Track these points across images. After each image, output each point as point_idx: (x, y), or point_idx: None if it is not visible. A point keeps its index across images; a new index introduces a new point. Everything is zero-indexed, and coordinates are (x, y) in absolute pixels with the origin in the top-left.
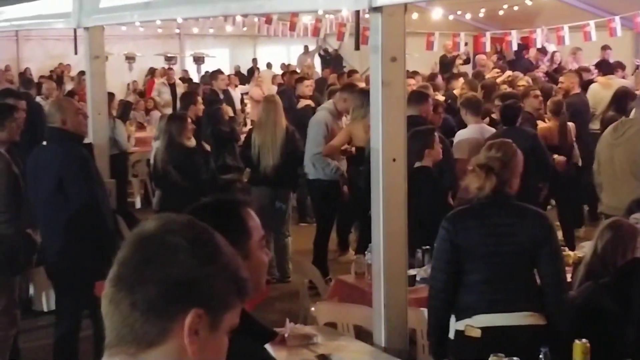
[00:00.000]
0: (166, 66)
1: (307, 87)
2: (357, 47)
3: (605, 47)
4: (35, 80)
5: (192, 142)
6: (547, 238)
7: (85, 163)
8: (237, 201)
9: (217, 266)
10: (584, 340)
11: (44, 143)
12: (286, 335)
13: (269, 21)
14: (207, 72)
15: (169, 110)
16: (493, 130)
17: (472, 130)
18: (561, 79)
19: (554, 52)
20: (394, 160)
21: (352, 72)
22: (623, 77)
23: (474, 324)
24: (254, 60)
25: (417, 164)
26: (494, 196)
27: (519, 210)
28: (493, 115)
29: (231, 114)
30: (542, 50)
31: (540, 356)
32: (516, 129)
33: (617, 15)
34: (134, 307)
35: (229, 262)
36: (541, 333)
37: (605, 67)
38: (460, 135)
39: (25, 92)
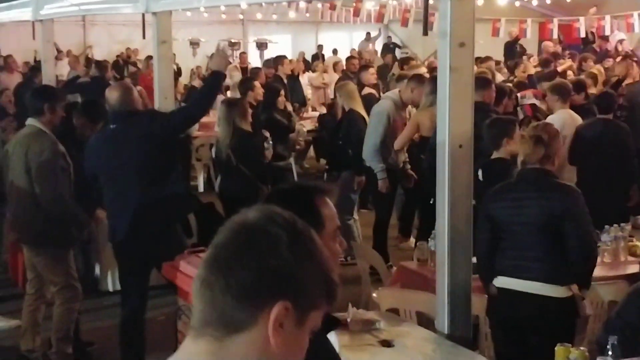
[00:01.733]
0: (229, 52)
1: (371, 74)
2: (425, 33)
3: None
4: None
5: (250, 127)
6: (568, 212)
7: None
8: (314, 189)
9: (312, 264)
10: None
11: (113, 126)
12: (349, 320)
13: (332, 7)
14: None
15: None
16: (576, 116)
17: (561, 117)
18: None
19: (621, 40)
20: (461, 146)
21: (409, 59)
22: None
23: (495, 284)
24: (320, 47)
25: (494, 155)
26: (529, 171)
27: (547, 184)
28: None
29: (286, 104)
30: (605, 38)
31: (608, 346)
32: (612, 122)
33: None
34: (227, 291)
35: (323, 263)
36: (550, 305)
37: None
38: (551, 121)
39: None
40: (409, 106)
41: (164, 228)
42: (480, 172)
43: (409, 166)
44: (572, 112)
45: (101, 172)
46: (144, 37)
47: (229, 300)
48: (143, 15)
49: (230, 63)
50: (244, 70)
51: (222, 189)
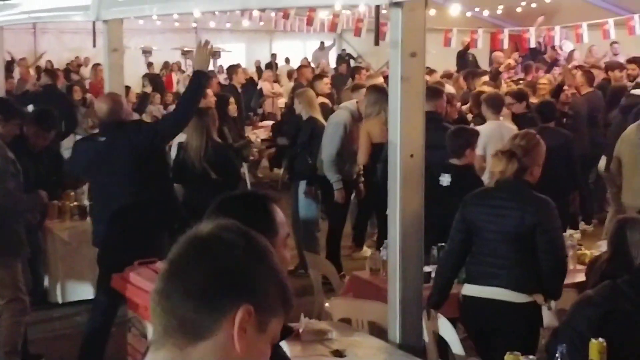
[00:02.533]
0: (182, 60)
1: (325, 84)
2: (376, 43)
3: (613, 43)
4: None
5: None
6: (541, 224)
7: None
8: (266, 196)
9: (267, 269)
10: (600, 339)
11: (102, 138)
12: (301, 330)
13: (286, 16)
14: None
15: None
16: (513, 127)
17: (491, 127)
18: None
19: (572, 51)
20: (412, 156)
21: (360, 68)
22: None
23: (462, 292)
24: (273, 56)
25: (453, 160)
26: (508, 181)
27: (524, 195)
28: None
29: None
30: (554, 49)
31: (557, 355)
32: (551, 129)
33: (637, 14)
34: (187, 297)
35: (278, 269)
36: (511, 311)
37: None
38: (480, 131)
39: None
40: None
41: (149, 236)
42: (445, 178)
43: (362, 179)
44: (505, 122)
45: (90, 181)
46: (94, 45)
47: (190, 307)
48: (94, 23)
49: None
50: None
51: (191, 201)
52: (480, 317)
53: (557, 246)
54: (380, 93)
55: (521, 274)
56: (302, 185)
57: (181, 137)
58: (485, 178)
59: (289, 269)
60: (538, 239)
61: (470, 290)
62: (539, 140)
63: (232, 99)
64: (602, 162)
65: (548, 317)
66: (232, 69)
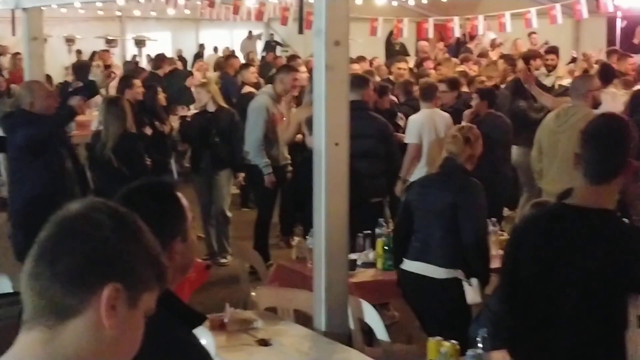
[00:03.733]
0: (107, 49)
1: (252, 73)
2: (300, 31)
3: (533, 33)
4: None
5: (132, 127)
6: (461, 204)
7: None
8: (170, 184)
9: (138, 246)
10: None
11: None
12: (226, 320)
13: (211, 4)
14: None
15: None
16: (446, 115)
17: (424, 115)
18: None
19: (494, 39)
20: (337, 144)
21: (294, 57)
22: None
23: (401, 267)
24: (201, 46)
25: None
26: (448, 165)
27: (452, 177)
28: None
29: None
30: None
31: (478, 338)
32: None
33: (558, 3)
34: (54, 278)
35: (150, 246)
36: (437, 286)
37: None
38: (411, 120)
39: None
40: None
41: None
42: None
43: (290, 168)
44: (437, 110)
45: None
46: (13, 33)
47: (58, 288)
48: (13, 10)
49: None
50: (107, 68)
51: (100, 189)
52: (412, 292)
53: (477, 226)
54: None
55: (445, 251)
56: (224, 174)
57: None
58: (423, 165)
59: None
60: (459, 217)
61: (405, 265)
62: (479, 134)
63: (159, 89)
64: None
65: (470, 294)
66: (159, 58)
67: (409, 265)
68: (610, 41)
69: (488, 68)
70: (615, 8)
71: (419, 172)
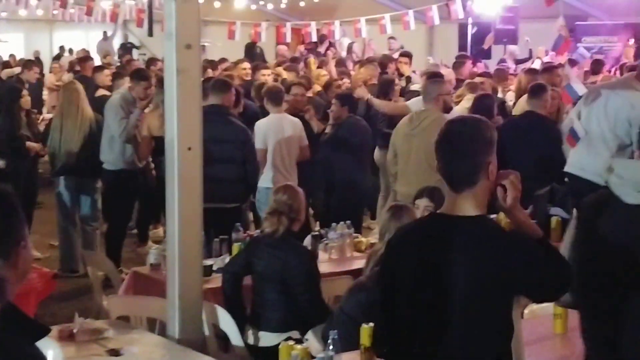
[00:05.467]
0: None
1: (106, 76)
2: (150, 34)
3: (392, 38)
4: None
5: None
6: (296, 267)
7: None
8: (8, 191)
9: None
10: (371, 324)
11: None
12: (75, 330)
13: (63, 5)
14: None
15: None
16: (295, 120)
17: (270, 120)
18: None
19: (351, 44)
20: (190, 149)
21: (153, 60)
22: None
23: None
24: (61, 48)
25: None
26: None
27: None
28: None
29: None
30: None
31: (329, 340)
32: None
33: (411, 9)
34: None
35: None
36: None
37: None
38: (260, 125)
39: None
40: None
41: None
42: None
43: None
44: (285, 115)
45: None
46: None
47: None
48: None
49: None
50: None
51: None
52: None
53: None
54: (158, 85)
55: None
56: (62, 181)
57: None
58: (268, 168)
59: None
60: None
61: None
62: (299, 190)
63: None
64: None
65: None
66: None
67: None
68: (462, 47)
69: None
70: (466, 15)
71: (264, 177)
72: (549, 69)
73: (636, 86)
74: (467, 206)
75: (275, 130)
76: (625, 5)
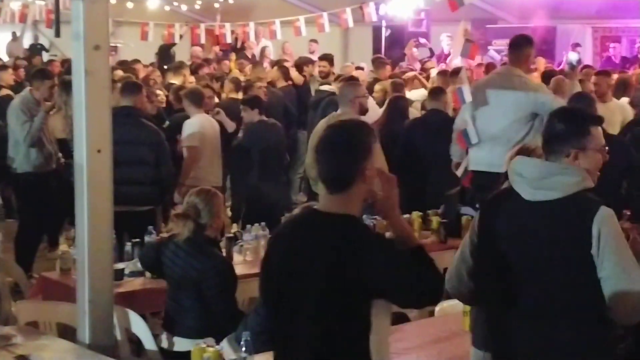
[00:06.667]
0: None
1: (10, 75)
2: (57, 34)
3: (313, 41)
4: None
5: None
6: (211, 276)
7: None
8: None
9: None
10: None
11: None
12: None
13: None
14: None
15: None
16: (214, 120)
17: (200, 120)
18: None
19: (264, 47)
20: (99, 151)
21: (67, 61)
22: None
23: None
24: None
25: None
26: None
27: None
28: None
29: None
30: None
31: (242, 342)
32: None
33: (325, 12)
34: None
35: None
36: None
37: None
38: (190, 125)
39: None
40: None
41: None
42: None
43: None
44: (205, 116)
45: None
46: None
47: None
48: None
49: None
50: None
51: None
52: None
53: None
54: (61, 87)
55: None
56: None
57: None
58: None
59: None
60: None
61: None
62: (215, 194)
63: None
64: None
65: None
66: None
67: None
68: (377, 49)
69: (256, 70)
70: (380, 18)
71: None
72: (457, 71)
73: (519, 74)
74: (344, 207)
75: (203, 130)
76: (534, 8)
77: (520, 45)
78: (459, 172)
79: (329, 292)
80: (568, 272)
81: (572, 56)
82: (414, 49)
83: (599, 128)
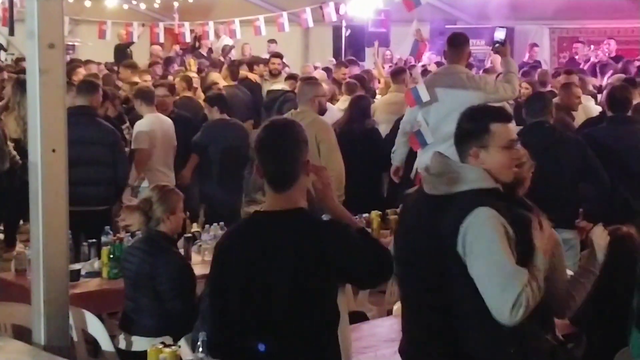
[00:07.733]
0: None
1: None
2: (11, 33)
3: (271, 41)
4: None
5: None
6: (164, 272)
7: None
8: None
9: None
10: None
11: None
12: None
13: None
14: None
15: None
16: (167, 120)
17: (150, 121)
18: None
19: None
20: (54, 150)
21: (20, 59)
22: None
23: None
24: None
25: None
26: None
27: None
28: None
29: None
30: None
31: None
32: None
33: (285, 11)
34: None
35: None
36: None
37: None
38: (140, 126)
39: None
40: None
41: None
42: None
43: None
44: (160, 115)
45: None
46: None
47: None
48: None
49: None
50: None
51: None
52: None
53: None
54: (15, 87)
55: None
56: None
57: None
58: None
59: None
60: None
61: None
62: (171, 191)
63: None
64: None
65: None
66: None
67: None
68: (337, 49)
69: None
70: (340, 18)
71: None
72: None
73: (463, 70)
74: (289, 202)
75: (152, 131)
76: (493, 9)
77: (462, 42)
78: (397, 178)
79: (296, 288)
80: (441, 264)
81: (499, 34)
82: (383, 48)
83: (508, 125)
